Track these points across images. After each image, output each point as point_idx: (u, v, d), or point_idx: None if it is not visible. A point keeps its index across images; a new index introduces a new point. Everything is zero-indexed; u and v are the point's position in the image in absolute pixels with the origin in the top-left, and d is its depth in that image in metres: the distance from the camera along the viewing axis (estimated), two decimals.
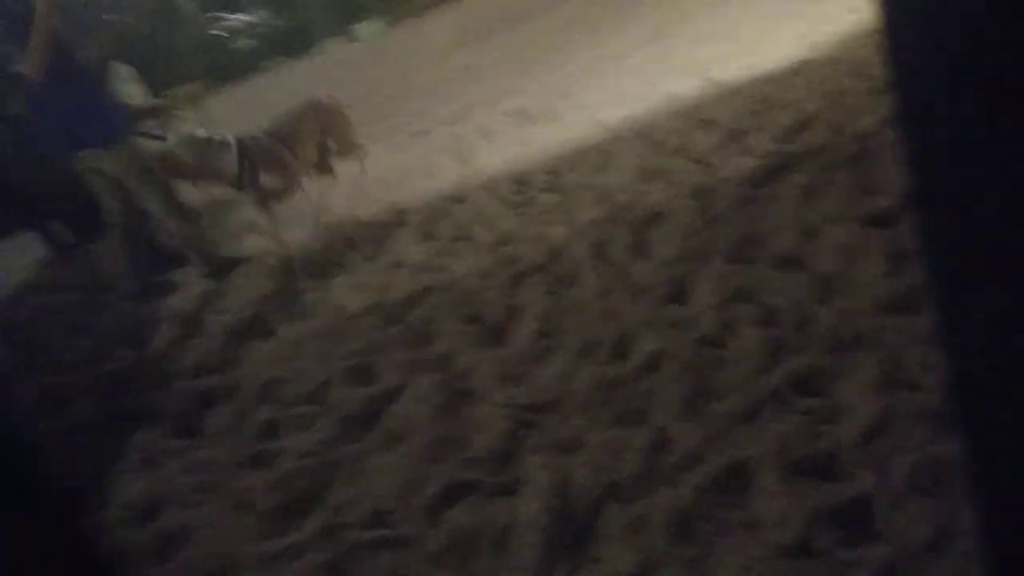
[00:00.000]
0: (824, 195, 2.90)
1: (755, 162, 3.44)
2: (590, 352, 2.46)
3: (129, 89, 7.08)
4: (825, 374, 1.95)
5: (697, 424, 1.94)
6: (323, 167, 4.73)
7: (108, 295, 4.75)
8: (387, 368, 2.83)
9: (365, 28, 20.13)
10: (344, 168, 5.00)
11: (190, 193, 4.72)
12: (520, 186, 4.27)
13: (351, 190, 4.98)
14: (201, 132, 4.35)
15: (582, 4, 10.37)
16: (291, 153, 4.41)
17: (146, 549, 2.31)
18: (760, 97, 4.27)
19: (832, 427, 1.77)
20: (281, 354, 3.27)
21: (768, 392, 1.94)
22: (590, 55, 7.16)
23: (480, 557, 1.85)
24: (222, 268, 4.43)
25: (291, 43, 22.43)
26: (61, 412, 3.56)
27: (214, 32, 28.33)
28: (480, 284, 3.23)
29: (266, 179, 4.27)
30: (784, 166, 3.28)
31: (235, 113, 10.39)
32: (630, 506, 1.79)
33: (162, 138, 6.25)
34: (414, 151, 6.02)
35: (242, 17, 29.42)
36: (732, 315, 2.36)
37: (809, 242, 2.62)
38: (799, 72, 4.44)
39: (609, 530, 1.76)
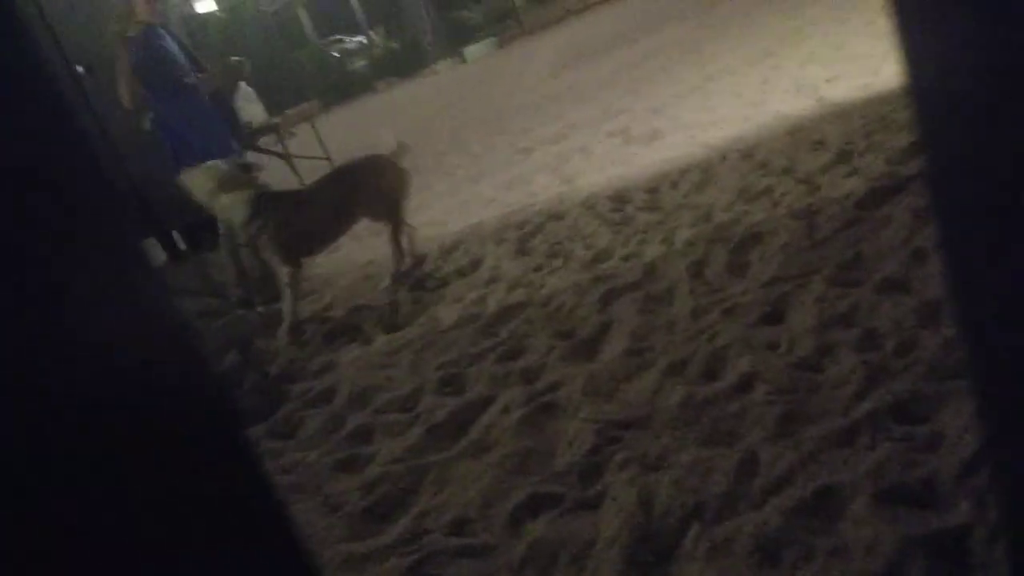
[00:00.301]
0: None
1: (866, 184, 3.32)
2: (681, 371, 2.42)
3: (250, 108, 7.48)
4: (926, 401, 1.85)
5: (788, 447, 1.88)
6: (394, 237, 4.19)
7: (219, 301, 4.99)
8: (478, 380, 2.86)
9: (475, 49, 20.53)
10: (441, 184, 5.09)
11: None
12: (619, 204, 4.26)
13: (448, 204, 5.08)
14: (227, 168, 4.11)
15: (690, 26, 10.28)
16: (310, 218, 4.06)
17: None
18: (874, 117, 4.12)
19: (930, 456, 1.68)
20: (376, 363, 3.36)
21: (864, 417, 1.86)
22: (697, 75, 7.08)
23: (560, 570, 1.83)
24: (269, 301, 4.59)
25: (404, 63, 23.11)
26: None
27: (333, 53, 29.55)
28: (574, 300, 3.23)
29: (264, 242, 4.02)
30: (896, 188, 3.15)
31: (344, 130, 10.76)
32: (715, 528, 1.75)
33: (278, 154, 6.57)
34: (517, 168, 6.09)
35: (358, 39, 30.57)
36: (831, 338, 2.28)
37: (918, 266, 2.50)
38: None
39: (692, 551, 1.72)
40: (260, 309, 4.61)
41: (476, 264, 4.16)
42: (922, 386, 1.90)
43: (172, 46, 4.56)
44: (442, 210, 5.48)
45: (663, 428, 2.17)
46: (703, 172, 4.26)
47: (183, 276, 5.88)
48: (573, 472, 2.14)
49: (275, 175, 8.10)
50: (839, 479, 1.70)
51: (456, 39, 22.84)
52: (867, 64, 5.10)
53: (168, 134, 4.55)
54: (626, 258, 3.49)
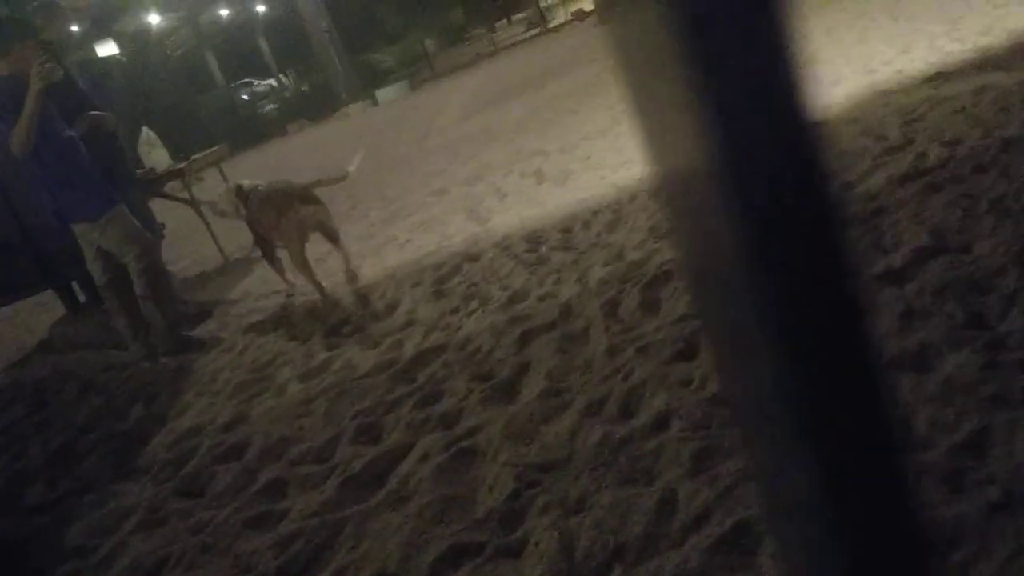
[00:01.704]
0: None
1: None
2: (599, 410, 2.43)
3: (154, 153, 7.26)
4: None
5: (705, 483, 1.90)
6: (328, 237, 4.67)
7: (123, 354, 4.78)
8: (395, 427, 2.81)
9: (387, 92, 20.58)
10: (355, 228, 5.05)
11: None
12: (533, 245, 4.29)
13: (363, 248, 5.03)
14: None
15: (598, 69, 10.56)
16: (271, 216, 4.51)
17: None
18: None
19: None
20: (290, 413, 3.26)
21: None
22: (605, 117, 7.25)
23: None
24: (181, 348, 4.50)
25: (315, 106, 22.96)
26: (71, 470, 3.55)
27: (242, 96, 29.15)
28: (491, 342, 3.22)
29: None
30: None
31: (255, 174, 10.54)
32: (636, 568, 1.74)
33: (184, 200, 6.39)
34: (431, 210, 6.09)
35: (268, 82, 30.26)
36: None
37: None
38: None
39: None
40: (164, 359, 4.42)
41: (392, 308, 4.11)
42: None
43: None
44: (356, 253, 5.41)
45: (582, 469, 2.17)
46: (614, 212, 4.34)
47: (84, 328, 5.62)
48: (494, 519, 2.10)
49: (181, 221, 7.87)
50: (757, 513, 1.72)
51: (368, 82, 22.85)
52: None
53: (40, 189, 4.29)
54: (542, 298, 3.51)
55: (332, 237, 4.61)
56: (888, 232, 2.87)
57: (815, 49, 6.63)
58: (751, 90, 0.33)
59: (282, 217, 4.41)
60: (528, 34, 23.99)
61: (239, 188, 4.76)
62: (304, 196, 4.48)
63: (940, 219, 2.82)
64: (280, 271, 4.96)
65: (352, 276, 4.57)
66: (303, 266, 4.48)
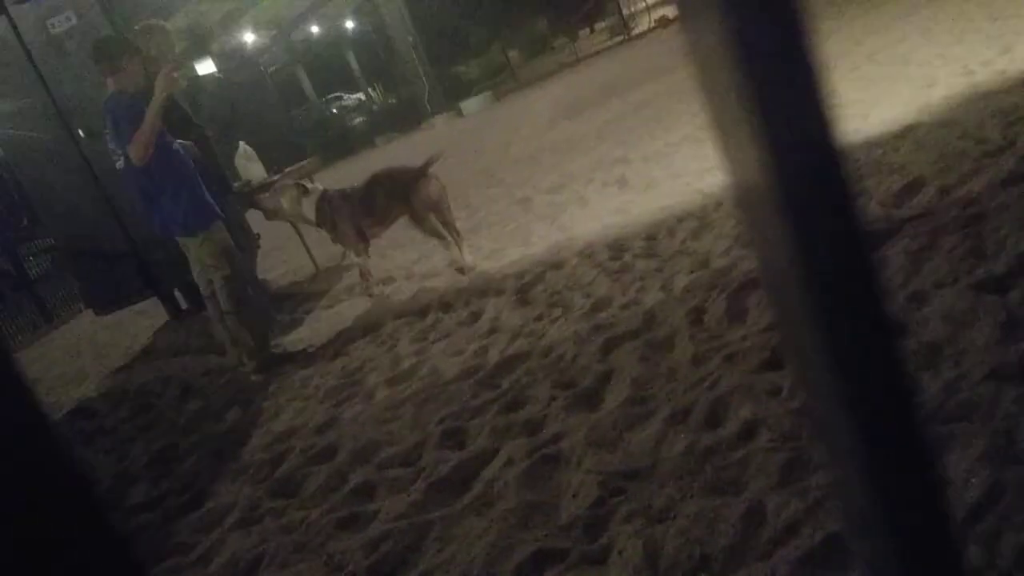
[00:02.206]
0: (933, 260, 2.78)
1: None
2: (683, 419, 2.41)
3: (250, 167, 7.55)
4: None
5: (794, 495, 1.86)
6: (431, 229, 5.03)
7: (222, 360, 4.98)
8: (480, 433, 2.85)
9: (471, 103, 20.82)
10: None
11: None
12: (617, 252, 4.28)
13: (451, 257, 5.11)
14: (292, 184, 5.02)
15: (681, 76, 10.44)
16: (361, 212, 4.93)
17: None
18: (867, 161, 4.16)
19: None
20: (378, 417, 3.34)
21: None
22: (689, 124, 7.17)
23: None
24: (270, 365, 4.56)
25: (402, 118, 23.41)
26: (172, 470, 3.73)
27: (332, 110, 29.98)
28: (575, 350, 3.23)
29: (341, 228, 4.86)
30: (891, 231, 3.18)
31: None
32: None
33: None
34: (515, 220, 6.14)
35: (357, 96, 31.05)
36: None
37: (917, 309, 2.51)
38: (906, 136, 4.32)
39: None
40: (253, 377, 4.54)
41: (477, 315, 4.17)
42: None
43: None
44: (441, 262, 5.50)
45: (667, 478, 2.16)
46: (699, 219, 4.29)
47: (186, 335, 5.89)
48: (578, 526, 2.12)
49: (275, 232, 8.15)
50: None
51: (453, 93, 23.17)
52: (858, 109, 5.17)
53: (147, 203, 4.39)
54: (625, 306, 3.50)
55: (448, 218, 5.00)
56: (989, 238, 2.75)
57: (909, 50, 6.41)
58: (787, 116, 0.36)
59: (411, 193, 4.85)
60: (611, 42, 23.90)
61: (304, 188, 5.00)
62: (423, 172, 4.92)
63: None
64: (367, 272, 5.17)
65: (461, 264, 4.94)
66: (452, 227, 4.99)
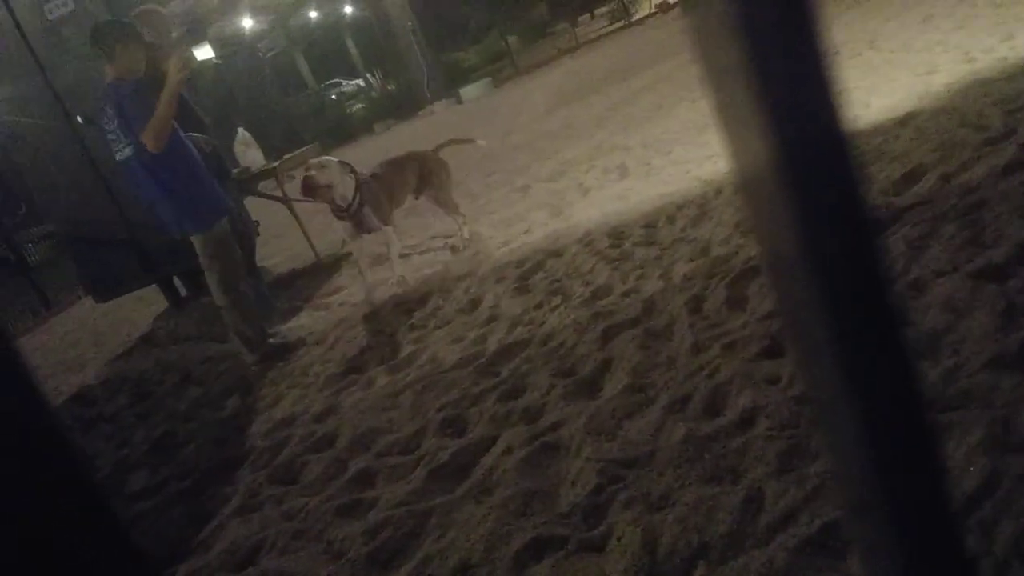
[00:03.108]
0: (932, 248, 2.78)
1: None
2: (682, 407, 2.41)
3: (249, 153, 7.53)
4: None
5: (792, 483, 1.87)
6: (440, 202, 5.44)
7: (221, 346, 4.98)
8: (479, 420, 2.85)
9: (470, 89, 20.75)
10: (440, 225, 5.14)
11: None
12: (616, 240, 4.28)
13: (450, 243, 5.10)
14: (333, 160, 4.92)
15: (681, 62, 10.41)
16: (385, 195, 5.03)
17: None
18: (868, 149, 4.15)
19: None
20: (378, 405, 3.35)
21: None
22: (689, 111, 7.15)
23: None
24: (270, 356, 4.52)
25: (401, 105, 23.34)
26: (172, 457, 3.73)
27: (331, 96, 29.91)
28: (574, 338, 3.23)
29: (367, 212, 4.86)
30: (891, 219, 3.17)
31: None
32: (721, 567, 1.73)
33: (277, 198, 6.61)
34: (514, 207, 6.13)
35: (356, 82, 30.95)
36: None
37: (917, 297, 2.51)
38: (907, 123, 4.30)
39: None
40: (253, 367, 4.51)
41: (476, 303, 4.17)
42: None
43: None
44: (440, 249, 5.50)
45: (666, 466, 2.16)
46: (699, 207, 4.29)
47: (185, 322, 5.89)
48: (577, 513, 2.12)
49: (275, 219, 8.13)
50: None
51: (452, 80, 23.10)
52: (857, 96, 5.16)
53: (145, 195, 4.27)
54: (625, 294, 3.50)
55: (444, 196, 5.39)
56: (989, 226, 2.75)
57: (910, 37, 6.38)
58: (792, 100, 0.35)
59: (429, 162, 5.33)
60: (611, 28, 23.81)
61: (352, 168, 4.91)
62: (435, 150, 5.48)
63: None
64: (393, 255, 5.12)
65: (460, 241, 5.26)
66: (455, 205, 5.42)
